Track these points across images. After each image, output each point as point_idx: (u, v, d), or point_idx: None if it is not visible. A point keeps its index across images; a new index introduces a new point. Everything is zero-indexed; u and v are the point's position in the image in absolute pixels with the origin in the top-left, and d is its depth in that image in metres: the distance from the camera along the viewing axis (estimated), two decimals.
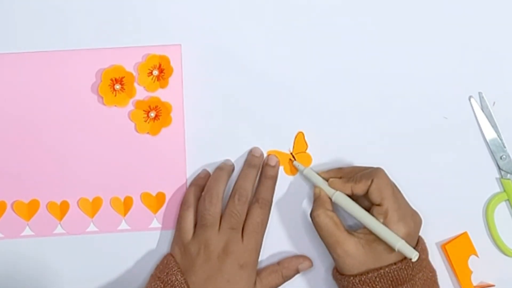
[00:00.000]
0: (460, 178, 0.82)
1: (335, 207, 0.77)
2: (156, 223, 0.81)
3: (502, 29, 0.82)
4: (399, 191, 0.77)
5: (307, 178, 0.80)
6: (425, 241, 0.78)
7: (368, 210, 0.76)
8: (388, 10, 0.82)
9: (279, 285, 0.80)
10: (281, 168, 0.82)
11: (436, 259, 0.81)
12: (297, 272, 0.81)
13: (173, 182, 0.81)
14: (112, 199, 0.81)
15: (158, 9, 0.81)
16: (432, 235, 0.81)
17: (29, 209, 0.81)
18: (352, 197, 0.77)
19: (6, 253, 0.81)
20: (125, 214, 0.81)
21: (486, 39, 0.82)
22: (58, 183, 0.81)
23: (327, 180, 0.78)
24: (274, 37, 0.82)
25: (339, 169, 0.80)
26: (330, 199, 0.77)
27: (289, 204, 0.82)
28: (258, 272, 0.79)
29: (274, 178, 0.81)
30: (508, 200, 0.82)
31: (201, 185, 0.80)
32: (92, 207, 0.81)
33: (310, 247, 0.81)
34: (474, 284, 0.81)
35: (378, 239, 0.74)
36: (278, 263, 0.81)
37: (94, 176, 0.81)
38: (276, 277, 0.80)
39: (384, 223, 0.74)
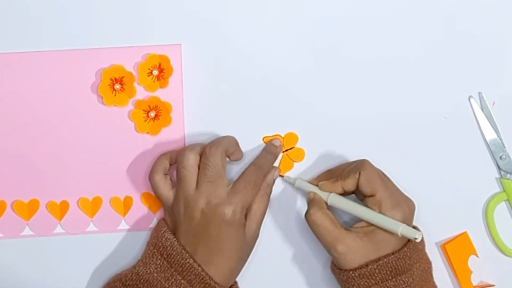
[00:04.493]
0: (460, 178, 0.82)
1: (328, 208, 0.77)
2: (155, 223, 0.81)
3: (502, 29, 0.82)
4: (389, 179, 0.77)
5: (300, 189, 0.80)
6: (425, 241, 0.78)
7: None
8: (387, 9, 0.82)
9: (267, 205, 0.79)
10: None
11: (436, 259, 0.80)
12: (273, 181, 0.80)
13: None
14: (112, 199, 0.81)
15: (158, 9, 0.81)
16: (432, 235, 0.81)
17: (29, 209, 0.81)
18: (344, 194, 0.77)
19: (6, 253, 0.81)
20: (125, 214, 0.81)
21: (486, 39, 0.82)
22: (58, 183, 0.81)
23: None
24: (273, 37, 0.82)
25: (328, 171, 0.80)
26: (326, 203, 0.77)
27: (284, 203, 0.82)
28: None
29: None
30: (508, 200, 0.82)
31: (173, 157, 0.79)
32: (92, 207, 0.81)
33: (305, 246, 0.81)
34: (474, 284, 0.81)
35: (376, 229, 0.74)
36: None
37: (94, 176, 0.81)
38: (262, 200, 0.78)
39: (380, 212, 0.74)
